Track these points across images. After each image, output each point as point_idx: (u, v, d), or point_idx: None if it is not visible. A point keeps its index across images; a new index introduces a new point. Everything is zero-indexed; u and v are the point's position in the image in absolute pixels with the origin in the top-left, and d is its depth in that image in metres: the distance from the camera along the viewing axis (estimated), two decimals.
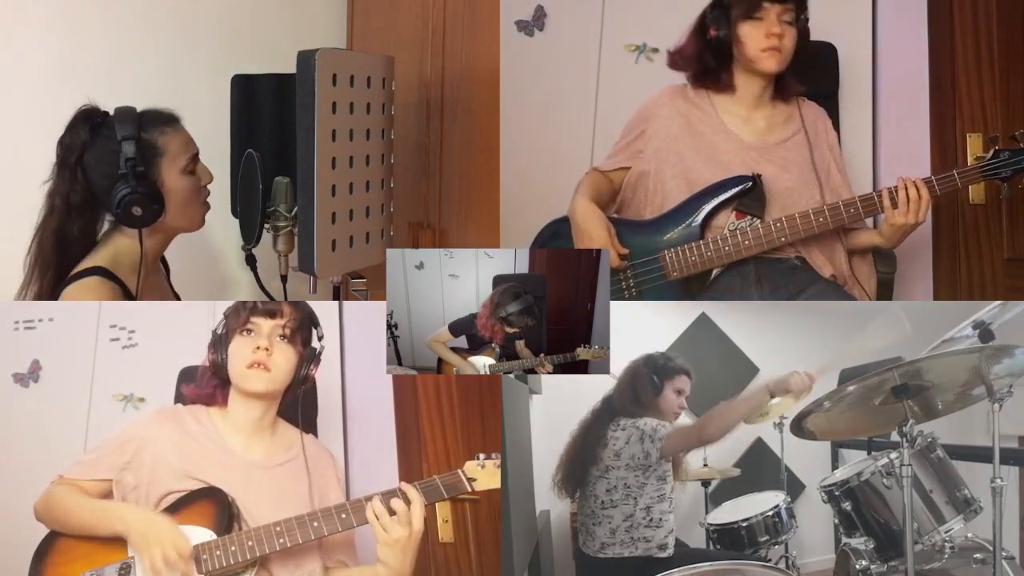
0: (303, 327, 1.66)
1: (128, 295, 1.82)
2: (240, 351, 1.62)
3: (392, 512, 1.51)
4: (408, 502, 1.52)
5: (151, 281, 1.93)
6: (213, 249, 2.50)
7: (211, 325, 1.68)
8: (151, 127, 1.83)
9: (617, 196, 2.06)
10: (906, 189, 1.85)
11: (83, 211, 1.81)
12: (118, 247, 1.85)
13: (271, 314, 1.62)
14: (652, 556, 2.04)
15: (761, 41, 1.91)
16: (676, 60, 2.05)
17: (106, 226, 1.88)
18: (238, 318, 1.63)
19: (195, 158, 1.90)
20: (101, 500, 1.56)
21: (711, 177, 1.95)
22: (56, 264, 1.81)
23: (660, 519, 2.06)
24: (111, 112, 1.84)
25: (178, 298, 2.06)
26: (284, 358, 1.62)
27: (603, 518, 2.10)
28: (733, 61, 1.96)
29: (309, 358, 1.66)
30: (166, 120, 1.86)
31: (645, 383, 2.15)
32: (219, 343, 1.64)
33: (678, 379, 2.19)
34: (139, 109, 1.84)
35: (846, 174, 2.04)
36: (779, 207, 1.94)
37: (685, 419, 2.94)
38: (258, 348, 1.60)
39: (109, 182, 1.78)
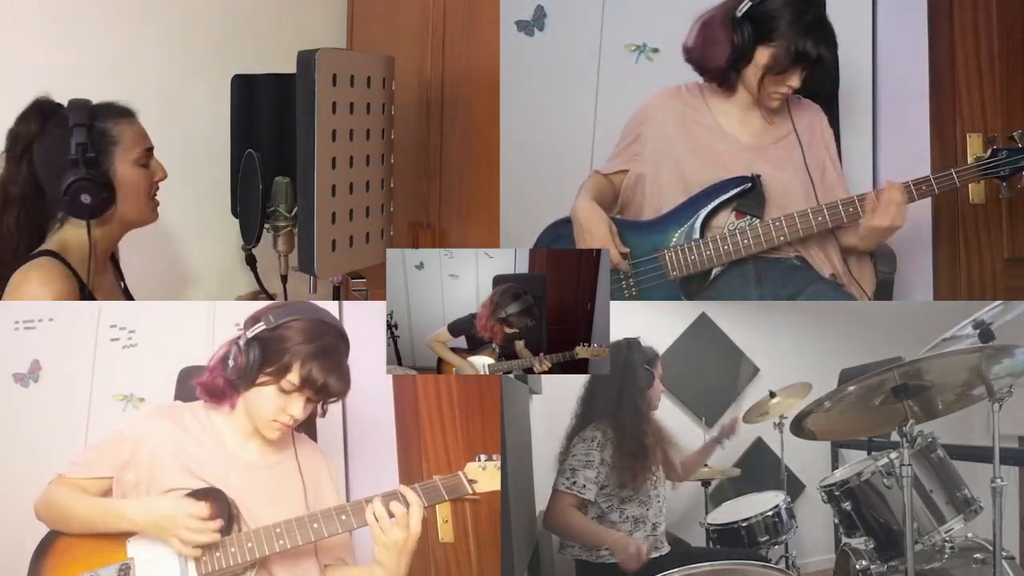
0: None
1: (80, 283, 1.78)
2: (271, 403, 1.56)
3: (391, 515, 1.50)
4: (407, 505, 1.51)
5: (101, 279, 1.89)
6: (213, 249, 2.50)
7: (211, 325, 1.67)
8: (105, 117, 1.80)
9: (618, 198, 2.07)
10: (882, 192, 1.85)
11: (23, 204, 1.79)
12: (66, 238, 1.81)
13: (325, 394, 1.56)
14: (604, 562, 2.04)
15: (780, 87, 1.92)
16: (694, 55, 1.98)
17: (56, 225, 1.84)
18: (289, 365, 1.53)
19: (149, 152, 1.87)
20: (104, 499, 1.55)
21: (708, 178, 1.95)
22: None
23: (615, 527, 2.07)
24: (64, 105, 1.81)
25: (131, 299, 2.04)
26: (305, 414, 1.59)
27: None
28: (742, 71, 1.95)
29: (323, 407, 1.63)
30: (120, 112, 1.84)
31: (646, 378, 2.15)
32: (252, 351, 1.54)
33: (658, 364, 2.22)
34: (93, 102, 1.81)
35: (841, 172, 2.03)
36: (776, 206, 1.94)
37: (691, 425, 2.96)
38: (290, 416, 1.56)
39: (57, 171, 1.75)
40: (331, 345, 1.57)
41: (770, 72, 1.90)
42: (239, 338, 1.57)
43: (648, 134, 2.02)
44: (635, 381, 2.13)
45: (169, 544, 1.48)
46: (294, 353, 1.54)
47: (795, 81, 1.91)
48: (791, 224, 1.90)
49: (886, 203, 1.84)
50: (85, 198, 1.74)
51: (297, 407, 1.56)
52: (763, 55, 1.89)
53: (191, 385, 1.67)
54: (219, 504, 1.52)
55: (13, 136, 1.79)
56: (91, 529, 1.51)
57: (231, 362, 1.56)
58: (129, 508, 1.52)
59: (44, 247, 1.80)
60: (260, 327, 1.55)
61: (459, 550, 1.97)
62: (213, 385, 1.61)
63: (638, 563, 1.88)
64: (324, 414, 1.64)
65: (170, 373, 1.86)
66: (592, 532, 2.03)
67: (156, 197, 1.91)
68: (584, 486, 2.03)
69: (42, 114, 1.78)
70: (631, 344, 2.16)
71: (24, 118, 1.79)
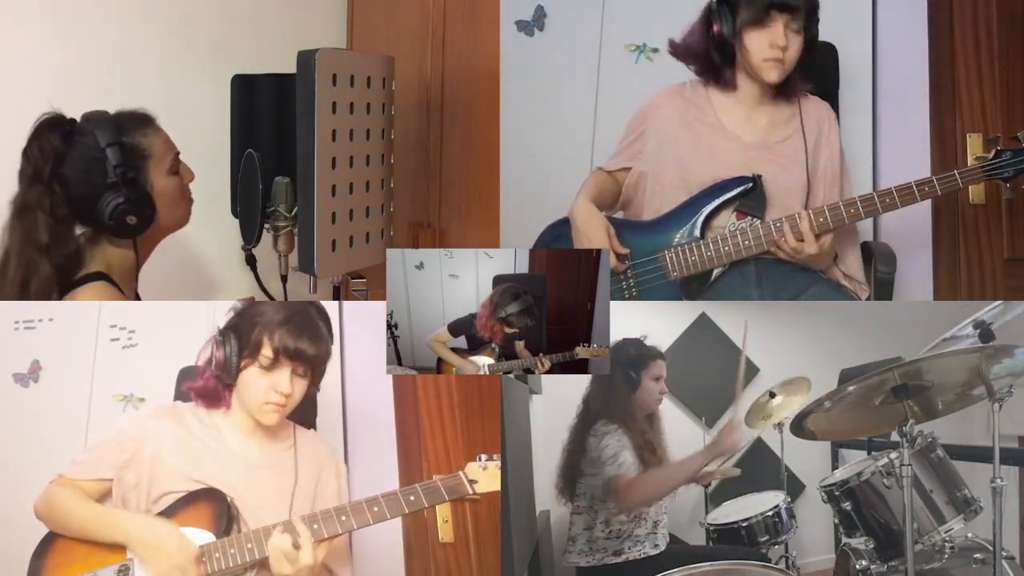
0: (324, 365, 1.62)
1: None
2: (258, 385, 1.57)
3: (293, 546, 1.47)
4: (297, 546, 1.47)
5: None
6: (213, 249, 2.50)
7: (211, 325, 1.67)
8: (132, 130, 1.75)
9: (621, 195, 2.06)
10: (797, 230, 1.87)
11: (73, 223, 1.73)
12: (108, 256, 1.78)
13: (300, 358, 1.56)
14: (607, 563, 2.04)
15: (765, 51, 1.89)
16: (679, 50, 2.00)
17: (81, 240, 1.77)
18: (260, 340, 1.55)
19: (177, 157, 1.84)
20: (101, 507, 1.55)
21: (710, 177, 1.94)
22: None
23: (620, 530, 2.06)
24: (76, 119, 1.75)
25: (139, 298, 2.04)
26: (299, 391, 1.59)
27: (570, 522, 2.12)
28: (736, 60, 1.95)
29: (318, 378, 1.64)
30: (145, 121, 1.79)
31: (620, 382, 2.13)
32: (228, 341, 1.57)
33: (654, 366, 2.16)
34: (111, 112, 1.77)
35: (847, 173, 2.03)
36: (777, 206, 1.93)
37: (691, 425, 2.96)
38: (279, 392, 1.56)
39: (93, 192, 1.70)
40: (299, 310, 1.58)
41: (747, 26, 1.88)
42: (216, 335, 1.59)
43: (651, 132, 2.01)
44: (620, 383, 2.13)
45: (151, 569, 1.47)
46: (263, 327, 1.56)
47: (780, 38, 1.87)
48: (792, 225, 1.89)
49: (795, 249, 1.87)
50: (131, 219, 1.71)
51: (283, 381, 1.56)
52: (742, 15, 1.88)
53: (185, 391, 1.69)
54: (218, 505, 1.52)
55: (36, 158, 1.69)
56: (89, 538, 1.50)
57: (213, 359, 1.58)
58: (127, 522, 1.51)
59: (94, 268, 1.75)
60: (230, 315, 1.59)
61: (459, 550, 1.96)
62: (205, 388, 1.63)
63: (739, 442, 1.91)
64: (318, 386, 1.64)
65: (170, 373, 1.87)
66: (671, 473, 2.03)
67: (191, 198, 1.90)
68: (631, 464, 2.02)
69: (59, 130, 1.71)
70: (621, 345, 2.15)
71: (39, 136, 1.71)
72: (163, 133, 1.81)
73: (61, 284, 1.72)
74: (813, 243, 1.86)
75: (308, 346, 1.57)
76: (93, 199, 1.70)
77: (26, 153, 1.72)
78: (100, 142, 1.70)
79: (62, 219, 1.71)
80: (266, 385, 1.57)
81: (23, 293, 1.69)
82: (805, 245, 1.86)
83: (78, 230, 1.78)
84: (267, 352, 1.55)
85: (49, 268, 1.69)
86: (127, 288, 1.81)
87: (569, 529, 2.14)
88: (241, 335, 1.57)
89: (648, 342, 2.20)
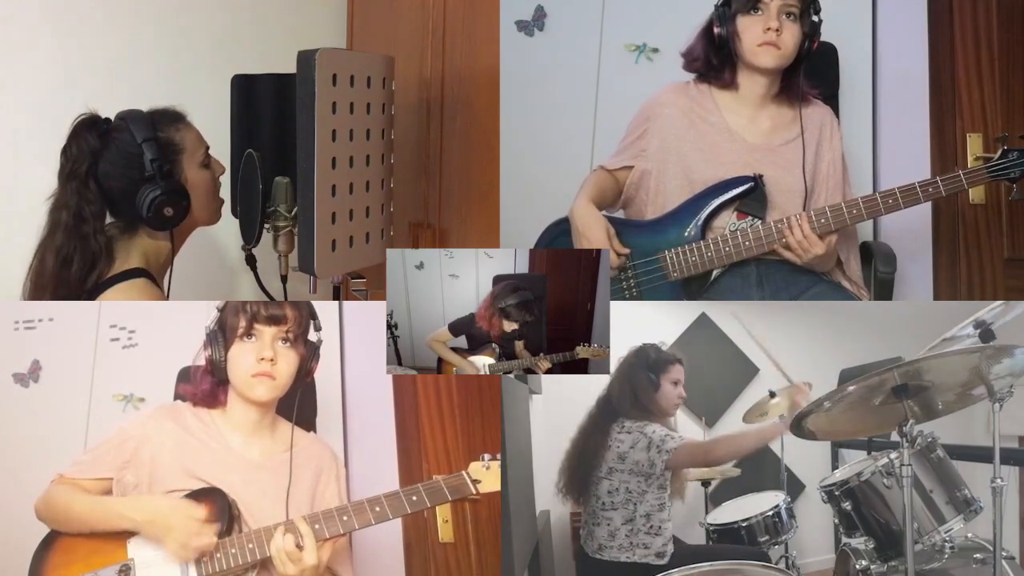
0: (304, 329, 1.65)
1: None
2: (243, 359, 1.60)
3: (296, 546, 1.49)
4: (300, 547, 1.49)
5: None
6: (213, 249, 2.50)
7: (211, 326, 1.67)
8: (166, 126, 1.83)
9: (622, 194, 2.06)
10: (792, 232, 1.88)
11: (102, 220, 1.79)
12: (146, 249, 1.84)
13: (274, 320, 1.60)
14: (649, 563, 2.06)
15: (758, 35, 1.89)
16: (687, 61, 2.03)
17: (117, 231, 1.85)
18: (237, 320, 1.61)
19: (208, 151, 1.92)
20: (101, 497, 1.56)
21: (712, 177, 1.94)
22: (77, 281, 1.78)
23: (660, 527, 2.08)
24: (112, 118, 1.82)
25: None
26: (287, 363, 1.61)
27: (602, 519, 2.11)
28: (737, 59, 1.95)
29: (310, 355, 1.65)
30: (177, 117, 1.87)
31: (644, 383, 2.16)
32: (215, 341, 1.61)
33: (673, 370, 2.21)
34: (144, 110, 1.84)
35: (849, 178, 2.03)
36: (780, 209, 1.93)
37: (691, 425, 2.97)
38: (263, 359, 1.58)
39: (131, 186, 1.77)
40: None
41: (741, 13, 1.89)
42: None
43: (655, 130, 2.00)
44: (645, 384, 2.15)
45: (165, 545, 1.48)
46: (237, 310, 1.61)
47: (772, 20, 1.87)
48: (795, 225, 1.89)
49: (799, 244, 1.87)
50: (168, 211, 1.78)
51: (265, 346, 1.59)
52: (736, 3, 1.90)
53: (182, 393, 1.70)
54: (219, 504, 1.52)
55: (74, 157, 1.77)
56: (90, 528, 1.51)
57: (207, 362, 1.61)
58: (127, 506, 1.52)
59: (130, 264, 1.81)
60: (214, 315, 1.63)
61: (459, 550, 1.97)
62: (202, 391, 1.65)
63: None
64: (310, 361, 1.65)
65: (170, 373, 1.87)
66: (751, 434, 2.12)
67: (220, 195, 1.97)
68: (681, 436, 2.10)
69: (96, 129, 1.79)
70: (642, 348, 2.16)
71: (77, 136, 1.78)
72: (194, 128, 1.89)
73: (91, 279, 1.77)
74: (819, 242, 1.86)
75: (278, 311, 1.61)
76: (131, 193, 1.77)
77: (65, 152, 1.79)
78: (136, 138, 1.77)
79: (93, 216, 1.77)
80: (251, 358, 1.59)
81: (56, 287, 1.76)
82: (810, 244, 1.86)
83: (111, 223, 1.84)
84: (243, 324, 1.60)
85: (79, 263, 1.76)
86: (161, 280, 1.87)
87: (597, 527, 2.13)
88: (225, 328, 1.62)
89: (664, 349, 2.24)
